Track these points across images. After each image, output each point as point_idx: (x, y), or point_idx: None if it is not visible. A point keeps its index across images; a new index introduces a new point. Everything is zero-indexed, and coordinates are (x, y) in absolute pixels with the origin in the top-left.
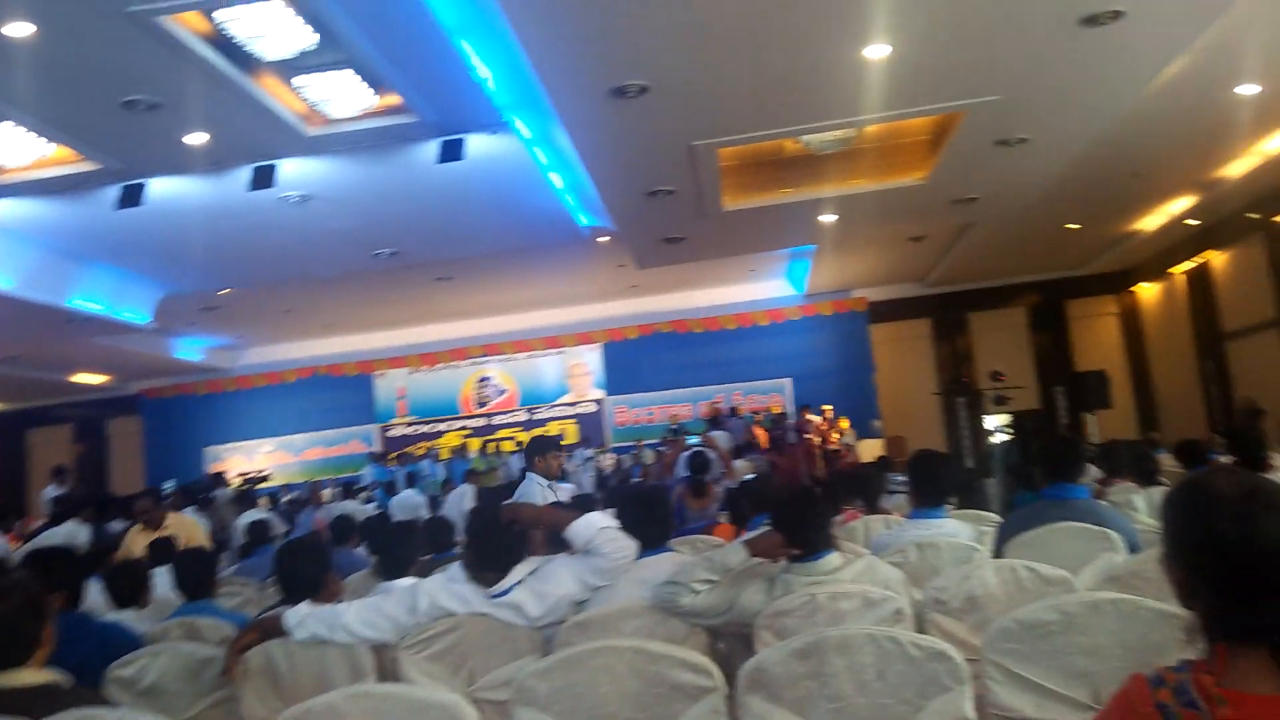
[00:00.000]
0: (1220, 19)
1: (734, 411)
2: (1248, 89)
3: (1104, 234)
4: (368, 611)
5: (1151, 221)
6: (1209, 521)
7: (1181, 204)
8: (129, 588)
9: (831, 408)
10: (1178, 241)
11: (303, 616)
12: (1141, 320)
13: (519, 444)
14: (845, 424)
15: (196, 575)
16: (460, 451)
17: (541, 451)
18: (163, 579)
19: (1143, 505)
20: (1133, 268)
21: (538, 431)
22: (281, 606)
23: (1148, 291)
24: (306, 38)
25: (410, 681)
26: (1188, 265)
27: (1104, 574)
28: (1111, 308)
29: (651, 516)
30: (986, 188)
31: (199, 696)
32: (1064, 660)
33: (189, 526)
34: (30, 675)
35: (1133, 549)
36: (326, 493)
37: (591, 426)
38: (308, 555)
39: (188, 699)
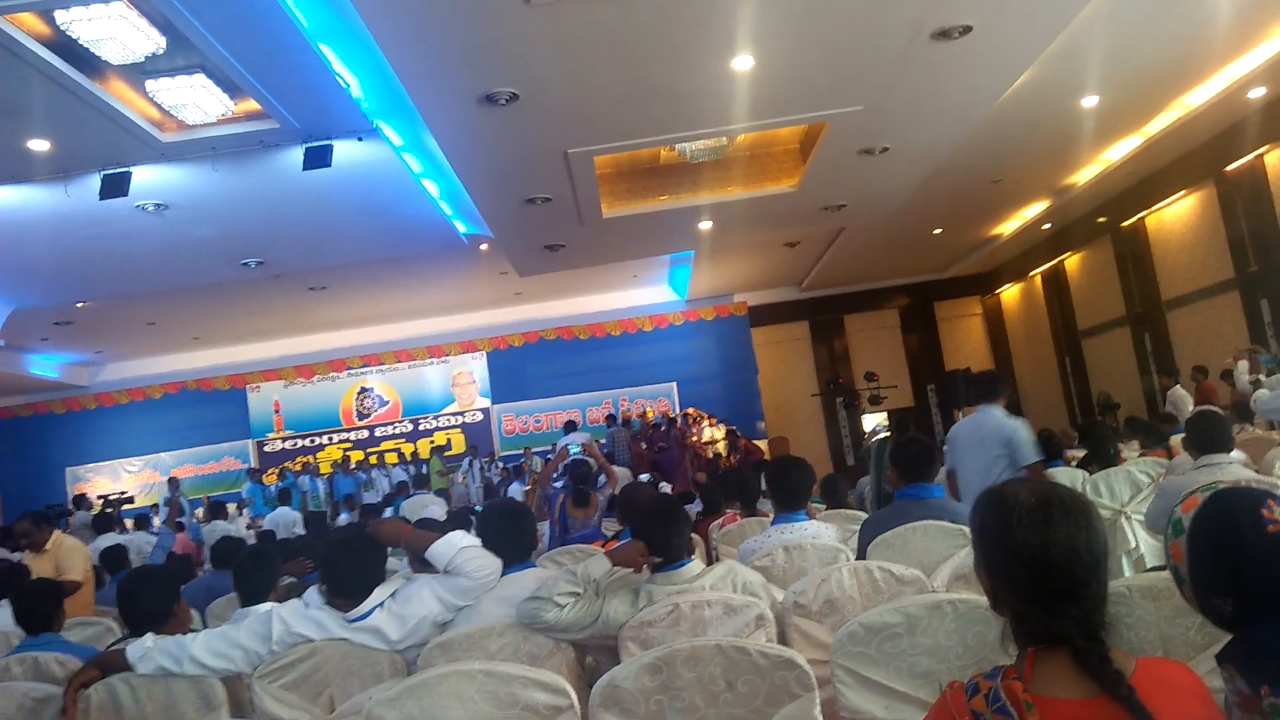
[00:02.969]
0: (1062, 34)
1: (624, 420)
2: (1090, 100)
3: (967, 239)
4: (217, 641)
5: (1009, 226)
6: (1008, 529)
7: (1036, 209)
8: None
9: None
10: (1035, 245)
11: (147, 649)
12: (1004, 320)
13: (401, 455)
14: (720, 430)
15: (40, 607)
16: (343, 465)
17: None
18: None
19: None
20: (995, 270)
21: (423, 442)
22: (126, 640)
23: (1009, 293)
24: (154, 41)
25: (265, 712)
26: (1044, 267)
27: (955, 572)
28: (976, 309)
29: (513, 532)
30: (854, 195)
31: None
32: (909, 661)
33: (72, 550)
34: None
35: None
36: (200, 512)
37: (478, 435)
38: (152, 585)
39: None
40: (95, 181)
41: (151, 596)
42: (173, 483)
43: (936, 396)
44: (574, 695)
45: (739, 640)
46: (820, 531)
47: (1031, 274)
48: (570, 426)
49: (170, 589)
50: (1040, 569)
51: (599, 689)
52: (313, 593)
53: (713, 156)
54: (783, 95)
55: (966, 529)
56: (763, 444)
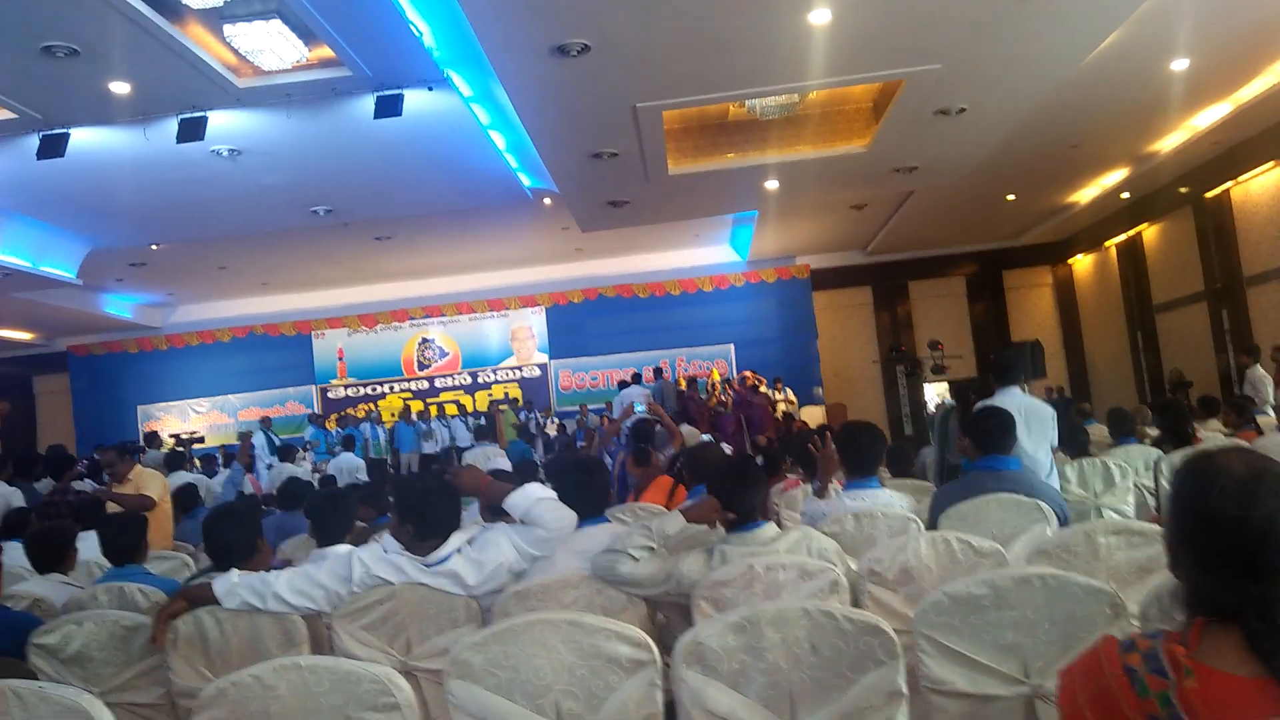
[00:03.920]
0: None
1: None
2: (1180, 64)
3: (1041, 205)
4: (300, 580)
5: (1086, 194)
6: (1210, 496)
7: (1115, 177)
8: (52, 552)
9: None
10: (1111, 214)
11: (232, 585)
12: (1075, 291)
13: (461, 407)
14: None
15: (126, 539)
16: (404, 414)
17: None
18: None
19: (1074, 477)
20: (1068, 239)
21: (481, 395)
22: (211, 574)
23: (1082, 263)
24: None
25: (345, 651)
26: (1120, 238)
27: (1033, 547)
28: (1047, 278)
29: (589, 486)
30: (926, 157)
31: (126, 665)
32: (994, 634)
33: (152, 478)
34: None
35: (1063, 521)
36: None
37: (535, 390)
38: (236, 521)
39: (115, 667)
40: (173, 125)
41: (236, 532)
42: (265, 421)
43: None
44: (655, 649)
45: (826, 604)
46: (892, 500)
47: (1106, 244)
48: (635, 379)
49: (254, 526)
50: (1232, 542)
51: (683, 645)
52: (390, 537)
53: (783, 114)
54: (859, 51)
55: (1043, 504)
56: (819, 410)
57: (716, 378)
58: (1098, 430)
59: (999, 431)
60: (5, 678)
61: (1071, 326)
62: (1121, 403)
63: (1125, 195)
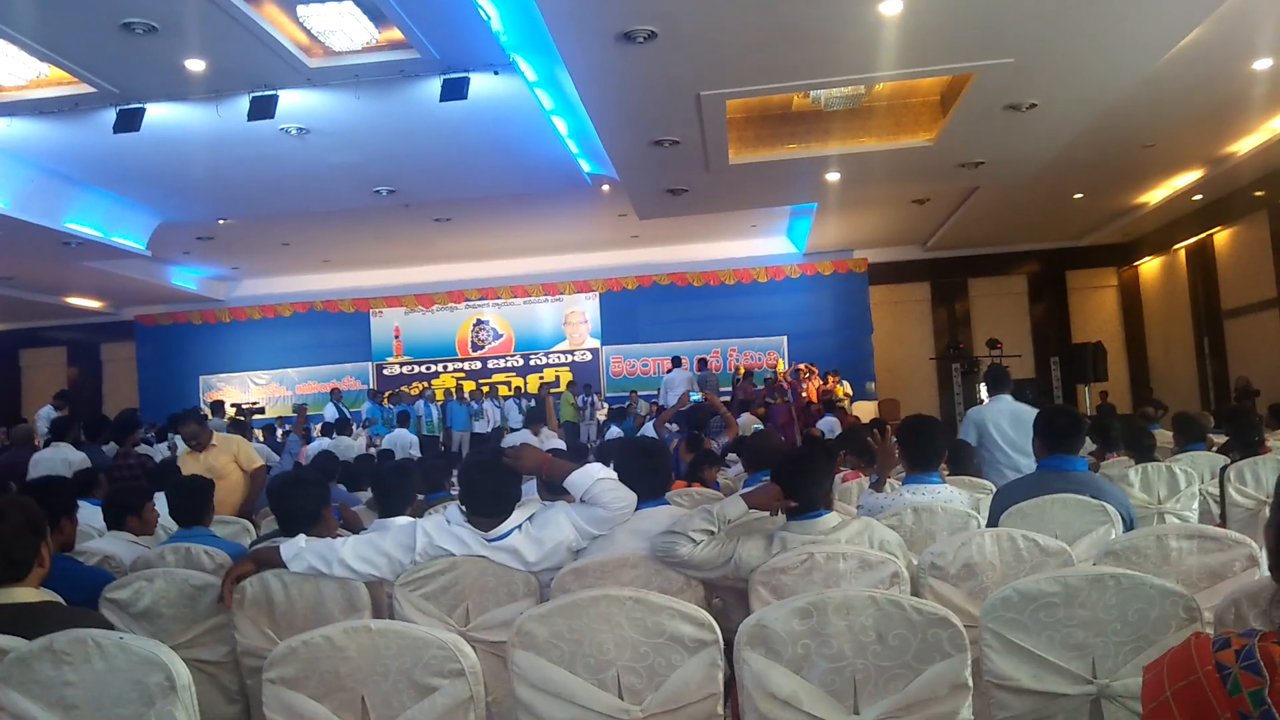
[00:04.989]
0: None
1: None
2: (1263, 63)
3: (1109, 206)
4: (365, 548)
5: (1157, 195)
6: None
7: (1187, 178)
8: (124, 511)
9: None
10: (1181, 216)
11: (299, 549)
12: (1141, 294)
13: (514, 389)
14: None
15: (193, 502)
16: (457, 394)
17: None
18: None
19: (1137, 481)
20: (1135, 241)
21: (533, 378)
22: (277, 538)
23: (1148, 265)
24: None
25: (406, 618)
26: (1190, 241)
27: (1102, 548)
28: (1111, 280)
29: (650, 468)
30: (994, 152)
31: (194, 622)
32: (1063, 632)
33: (236, 444)
34: (27, 593)
35: (1128, 525)
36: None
37: (587, 375)
38: (304, 487)
39: (182, 624)
40: (244, 103)
41: (304, 499)
42: (335, 393)
43: (1060, 370)
44: (718, 630)
45: (894, 594)
46: (952, 496)
47: (1175, 247)
48: (676, 364)
49: (321, 493)
50: None
51: (747, 627)
52: (454, 510)
53: (848, 105)
54: (930, 43)
55: (1109, 506)
56: (871, 405)
57: (781, 367)
58: (1163, 435)
59: (1070, 431)
60: (85, 628)
61: (1135, 329)
62: (1186, 408)
63: (1197, 198)
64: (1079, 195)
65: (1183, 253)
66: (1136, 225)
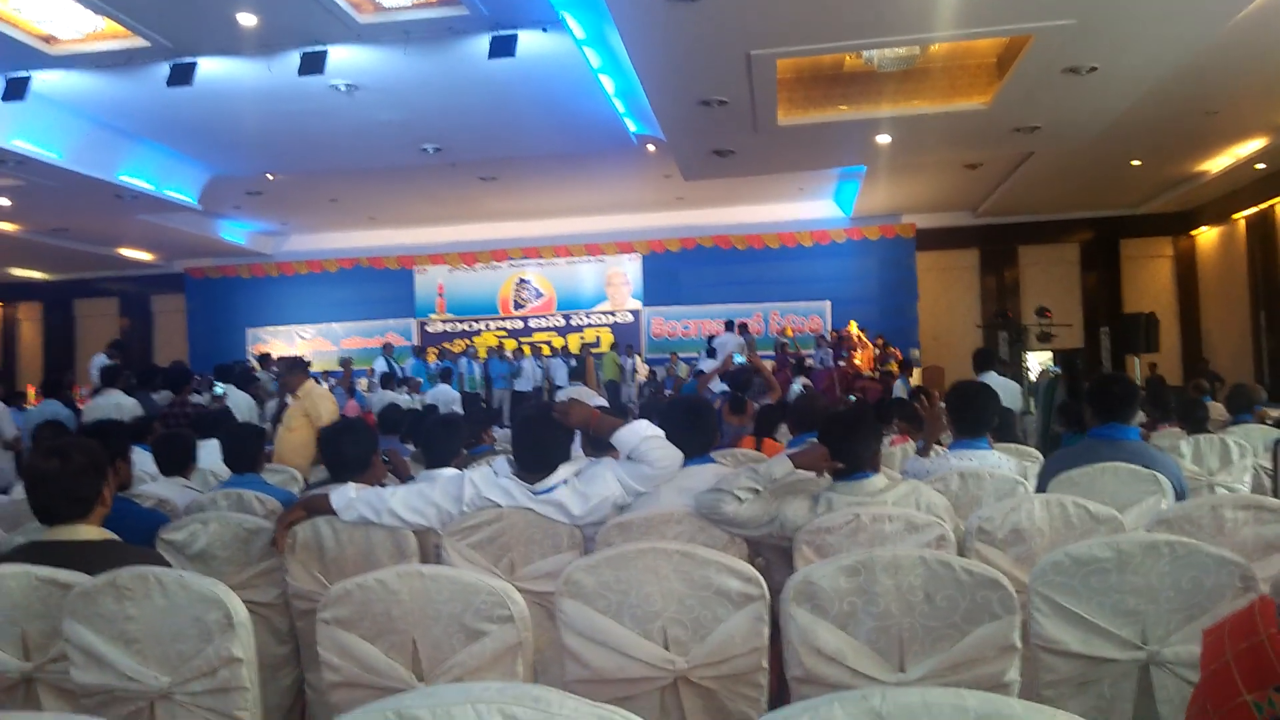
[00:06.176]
0: None
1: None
2: None
3: (1167, 173)
4: (414, 498)
5: (1218, 163)
6: None
7: (1251, 146)
8: (177, 457)
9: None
10: (1243, 186)
11: (350, 499)
12: (1197, 265)
13: (554, 349)
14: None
15: (246, 449)
16: (498, 351)
17: None
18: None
19: (1188, 453)
20: (1193, 210)
21: (574, 337)
22: (327, 485)
23: (1206, 235)
24: None
25: (452, 566)
26: (1251, 211)
27: (1154, 517)
28: (1167, 250)
29: (696, 427)
30: (1051, 117)
31: (246, 564)
32: (1114, 598)
33: (321, 399)
34: (89, 531)
35: (1180, 496)
36: (362, 381)
37: (628, 336)
38: (356, 437)
39: (236, 566)
40: (295, 58)
41: (354, 446)
42: (387, 348)
43: (1110, 340)
44: (764, 585)
45: (944, 555)
46: (1001, 462)
47: (1234, 217)
48: (728, 327)
49: (370, 441)
50: None
51: (794, 583)
52: (502, 462)
53: (901, 66)
54: (987, 3)
55: (1160, 476)
56: (916, 372)
57: (854, 329)
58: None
59: (1125, 400)
60: (146, 565)
61: (1189, 300)
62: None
63: (1260, 166)
64: (1137, 162)
65: (1243, 223)
66: (1196, 194)
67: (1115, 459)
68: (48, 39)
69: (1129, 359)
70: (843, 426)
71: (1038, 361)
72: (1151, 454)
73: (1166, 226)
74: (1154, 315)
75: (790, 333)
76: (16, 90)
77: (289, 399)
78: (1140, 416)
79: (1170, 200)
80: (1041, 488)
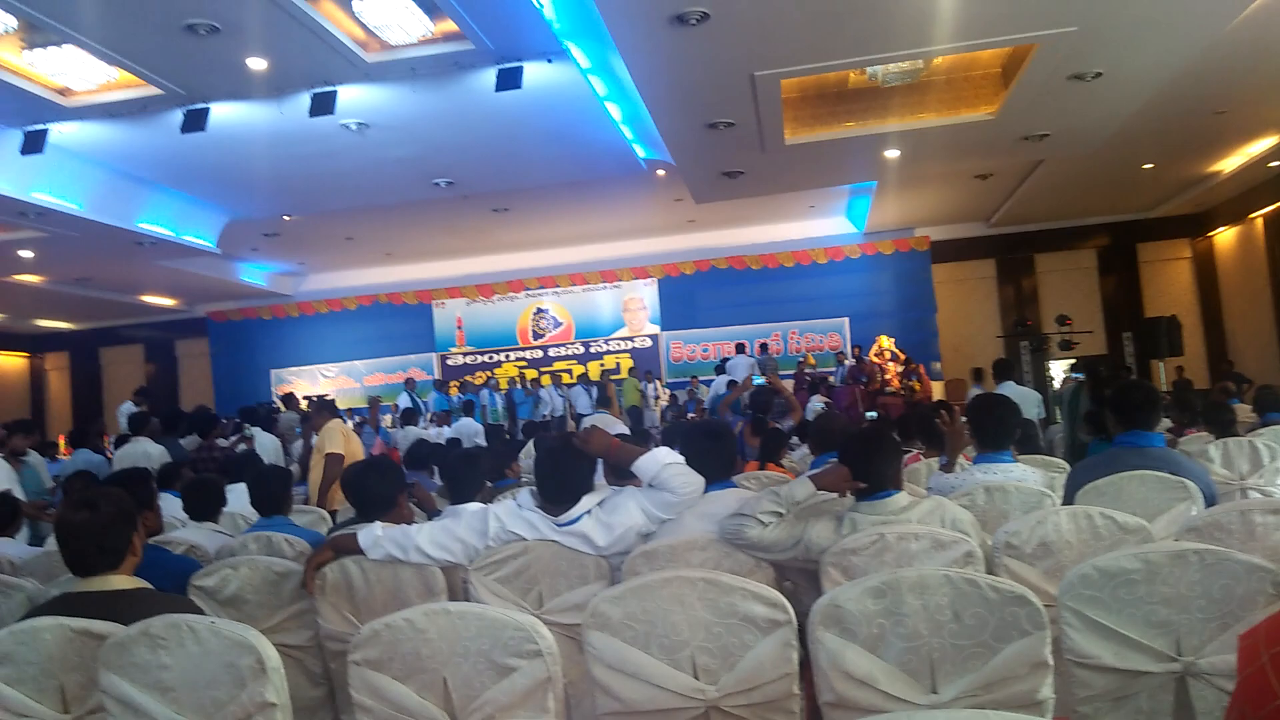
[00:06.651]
0: None
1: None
2: None
3: (1180, 175)
4: (439, 534)
5: (1231, 163)
6: None
7: (1263, 145)
8: (206, 502)
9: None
10: (1258, 185)
11: (376, 537)
12: (1216, 266)
13: (575, 377)
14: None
15: (273, 492)
16: (521, 382)
17: None
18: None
19: (1217, 457)
20: (1209, 211)
21: (594, 365)
22: (354, 525)
23: (1224, 236)
24: None
25: (481, 602)
26: (1267, 210)
27: (1183, 524)
28: (1185, 252)
29: (717, 451)
30: (1058, 124)
31: (278, 608)
32: (1145, 610)
33: (326, 432)
34: (122, 581)
35: (1209, 502)
36: (386, 418)
37: (647, 361)
38: (381, 474)
39: (267, 610)
40: (305, 100)
41: (381, 485)
42: (409, 383)
43: (1134, 345)
44: (791, 610)
45: (969, 572)
46: (1025, 474)
47: (1251, 216)
48: (740, 349)
49: (396, 479)
50: None
51: (820, 607)
52: (525, 495)
53: (905, 80)
54: (989, 13)
55: (1188, 483)
56: (938, 386)
57: (885, 343)
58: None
59: (1146, 405)
60: (178, 613)
61: (1211, 302)
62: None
63: (1274, 164)
64: (1149, 165)
65: (1260, 222)
66: (1210, 195)
67: (1141, 467)
68: (63, 91)
69: (1154, 364)
70: (863, 446)
71: (1061, 370)
72: (1178, 460)
73: (1183, 229)
74: (1175, 319)
75: (812, 361)
76: (35, 143)
77: (315, 439)
78: (1166, 422)
79: (1185, 202)
80: (1069, 499)
